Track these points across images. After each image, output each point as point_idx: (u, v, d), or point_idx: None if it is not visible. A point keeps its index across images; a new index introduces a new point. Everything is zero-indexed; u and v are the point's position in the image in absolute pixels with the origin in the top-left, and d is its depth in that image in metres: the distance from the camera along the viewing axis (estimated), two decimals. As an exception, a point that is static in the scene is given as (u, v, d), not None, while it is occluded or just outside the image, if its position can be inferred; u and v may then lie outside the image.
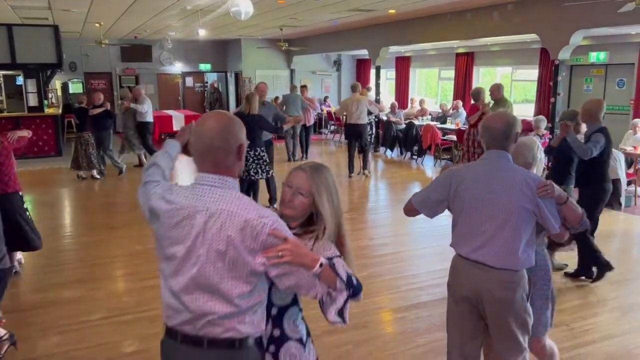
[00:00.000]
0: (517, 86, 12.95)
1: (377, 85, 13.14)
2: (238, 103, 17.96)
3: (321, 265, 1.73)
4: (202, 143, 1.76)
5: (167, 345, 1.89)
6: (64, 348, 3.74)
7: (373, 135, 11.29)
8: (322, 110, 16.65)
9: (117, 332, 3.96)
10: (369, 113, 9.87)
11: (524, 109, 12.54)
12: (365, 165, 9.78)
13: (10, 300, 4.56)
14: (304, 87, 12.89)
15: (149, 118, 10.61)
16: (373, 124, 11.29)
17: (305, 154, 12.09)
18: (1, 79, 15.12)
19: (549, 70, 10.36)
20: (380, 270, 5.26)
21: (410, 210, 2.88)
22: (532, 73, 11.78)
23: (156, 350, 3.71)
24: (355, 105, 9.36)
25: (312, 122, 12.46)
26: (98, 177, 9.67)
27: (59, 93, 16.33)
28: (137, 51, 16.83)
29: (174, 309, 1.82)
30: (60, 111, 13.78)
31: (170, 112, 15.53)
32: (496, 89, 7.71)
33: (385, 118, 12.36)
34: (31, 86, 12.60)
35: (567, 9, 7.63)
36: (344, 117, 10.84)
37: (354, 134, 9.48)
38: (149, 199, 1.90)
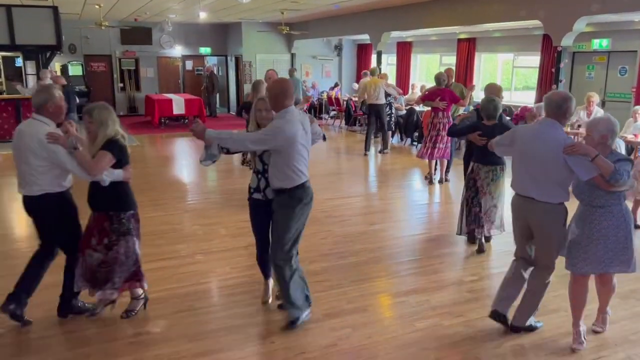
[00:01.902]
0: (519, 73, 12.89)
1: (380, 70, 13.06)
2: (238, 87, 17.90)
3: None
4: None
5: None
6: (65, 329, 3.77)
7: (393, 115, 11.35)
8: (321, 95, 16.62)
9: (118, 315, 3.99)
10: (387, 95, 10.68)
11: (524, 96, 12.51)
12: (385, 145, 10.83)
13: (14, 279, 4.59)
14: (294, 69, 13.63)
15: None
16: (392, 105, 11.35)
17: None
18: (0, 61, 15.03)
19: (551, 56, 10.30)
20: (380, 255, 5.29)
21: (492, 147, 4.03)
22: (533, 60, 11.72)
23: (158, 332, 3.76)
24: (373, 87, 10.34)
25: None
26: None
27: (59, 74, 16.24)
28: (137, 34, 16.72)
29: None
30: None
31: (170, 95, 15.48)
32: (450, 76, 8.57)
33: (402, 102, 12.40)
34: (30, 68, 12.55)
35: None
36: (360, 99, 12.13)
37: (373, 113, 10.51)
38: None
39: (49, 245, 3.79)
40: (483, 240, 5.35)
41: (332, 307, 4.12)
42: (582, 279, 3.60)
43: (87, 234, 3.74)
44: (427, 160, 8.16)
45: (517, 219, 3.75)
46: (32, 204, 3.62)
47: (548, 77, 10.65)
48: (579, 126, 8.86)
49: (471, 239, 5.50)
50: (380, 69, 12.82)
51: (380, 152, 10.86)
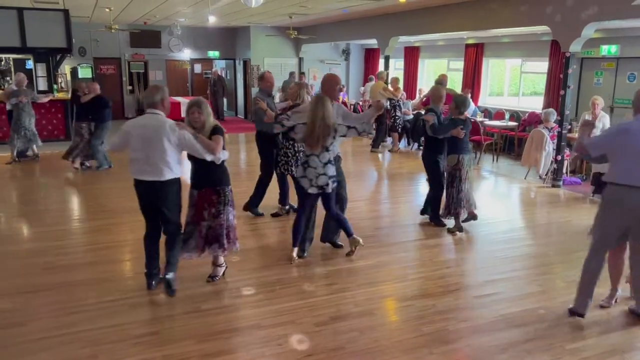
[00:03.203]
0: (526, 78, 12.88)
1: (387, 75, 13.08)
2: (246, 90, 17.97)
3: None
4: None
5: None
6: (75, 329, 3.81)
7: (399, 118, 11.64)
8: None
9: (127, 314, 4.02)
10: (391, 98, 11.33)
11: (532, 102, 12.49)
12: (374, 144, 11.72)
13: (24, 278, 4.65)
14: (303, 74, 13.95)
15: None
16: (398, 107, 11.59)
17: None
18: (11, 63, 15.17)
19: (559, 62, 10.29)
20: (387, 259, 5.30)
21: (581, 148, 4.07)
22: (541, 65, 11.70)
23: (165, 333, 3.80)
24: (374, 91, 11.33)
25: None
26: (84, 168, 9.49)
27: (68, 78, 16.38)
28: (147, 37, 16.84)
29: None
30: (69, 96, 13.82)
31: (178, 98, 15.56)
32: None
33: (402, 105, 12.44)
34: (41, 70, 12.66)
35: (578, 1, 7.57)
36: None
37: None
38: None
39: (159, 226, 4.43)
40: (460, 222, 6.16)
41: (339, 310, 4.14)
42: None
43: (198, 209, 4.40)
44: None
45: (621, 212, 3.84)
46: (162, 188, 4.20)
47: (556, 82, 10.64)
48: (587, 132, 8.85)
49: (457, 225, 6.16)
50: (387, 74, 12.86)
51: (390, 150, 11.66)
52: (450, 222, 6.25)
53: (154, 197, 4.24)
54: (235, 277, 4.74)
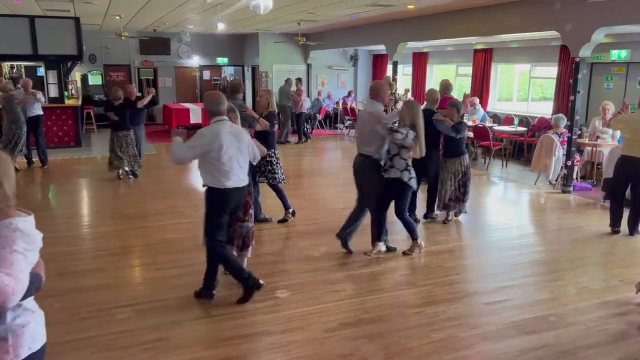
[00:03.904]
0: (535, 83, 12.82)
1: (395, 81, 13.08)
2: (254, 97, 18.04)
3: None
4: None
5: None
6: (84, 334, 3.82)
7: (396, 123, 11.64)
8: (336, 104, 16.71)
9: (136, 320, 4.04)
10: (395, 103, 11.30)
11: (541, 107, 12.43)
12: None
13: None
14: (298, 80, 14.18)
15: (41, 111, 10.20)
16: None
17: (306, 138, 14.01)
18: (23, 70, 15.35)
19: (568, 67, 10.24)
20: (396, 265, 5.28)
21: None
22: (550, 70, 11.65)
23: (174, 339, 3.80)
24: None
25: (304, 109, 14.05)
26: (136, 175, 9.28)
27: (79, 84, 16.54)
28: (156, 44, 16.97)
29: None
30: (80, 102, 13.96)
31: (187, 105, 15.65)
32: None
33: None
34: (52, 77, 12.78)
35: (589, 5, 7.54)
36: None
37: None
38: None
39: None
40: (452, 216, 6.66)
41: (348, 316, 4.12)
42: None
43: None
44: None
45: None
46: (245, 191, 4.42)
47: (566, 88, 10.58)
48: (597, 137, 8.80)
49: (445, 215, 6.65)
50: (396, 79, 12.88)
51: None
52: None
53: (240, 202, 4.35)
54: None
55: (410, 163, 5.21)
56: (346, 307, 4.29)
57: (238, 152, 4.14)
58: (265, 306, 4.29)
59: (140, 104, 9.19)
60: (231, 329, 3.91)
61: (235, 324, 3.99)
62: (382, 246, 5.46)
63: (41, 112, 10.21)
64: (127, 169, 9.16)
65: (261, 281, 4.34)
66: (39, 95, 9.98)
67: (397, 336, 3.85)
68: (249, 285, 4.29)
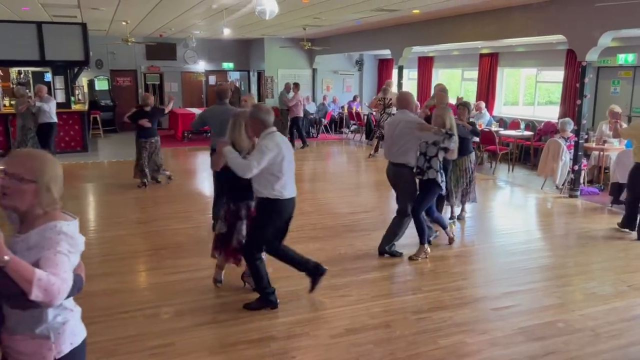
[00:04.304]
0: (541, 88, 12.78)
1: (400, 86, 13.09)
2: (259, 101, 18.08)
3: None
4: None
5: None
6: (92, 339, 3.79)
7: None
8: (342, 109, 16.72)
9: (142, 326, 4.03)
10: (387, 107, 11.42)
11: (547, 111, 12.37)
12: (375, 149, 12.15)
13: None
14: (295, 85, 14.02)
15: (55, 119, 10.04)
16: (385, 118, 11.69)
17: (304, 144, 13.76)
18: (30, 76, 15.45)
19: (575, 71, 10.20)
20: (403, 271, 5.26)
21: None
22: (557, 74, 11.61)
23: (180, 344, 3.79)
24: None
25: (299, 114, 13.78)
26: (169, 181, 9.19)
27: (86, 90, 16.63)
28: (162, 49, 17.05)
29: None
30: (86, 108, 14.03)
31: (193, 109, 15.70)
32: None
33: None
34: (59, 83, 12.86)
35: (595, 9, 7.51)
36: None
37: None
38: None
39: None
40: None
41: (354, 322, 4.10)
42: None
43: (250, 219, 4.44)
44: None
45: None
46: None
47: (572, 92, 10.54)
48: (604, 142, 8.75)
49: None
50: (400, 85, 12.89)
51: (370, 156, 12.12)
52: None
53: (293, 211, 4.32)
54: (249, 288, 4.72)
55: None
56: (352, 312, 4.27)
57: (292, 162, 4.20)
58: (270, 312, 4.27)
59: (167, 109, 9.15)
60: (237, 335, 3.90)
61: (241, 329, 3.98)
62: (427, 248, 5.56)
63: (51, 120, 10.15)
64: (153, 176, 8.98)
65: (278, 300, 4.34)
66: (38, 102, 9.87)
67: (404, 342, 3.83)
68: (268, 300, 4.30)
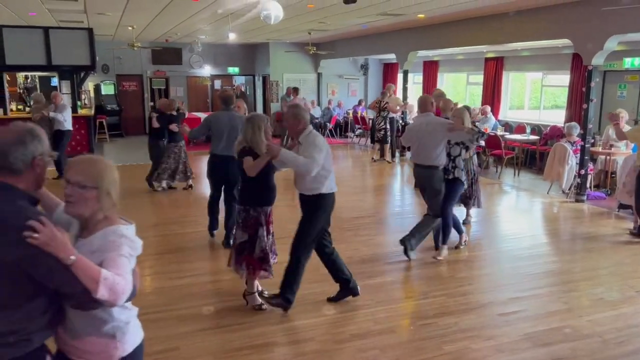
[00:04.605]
0: (547, 92, 12.73)
1: (405, 90, 13.10)
2: (265, 106, 18.12)
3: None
4: None
5: None
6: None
7: (387, 130, 11.88)
8: (347, 113, 16.73)
9: (147, 330, 3.99)
10: (382, 110, 11.69)
11: (553, 115, 12.33)
12: (381, 154, 12.21)
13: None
14: (294, 89, 13.89)
15: (68, 126, 9.94)
16: (387, 121, 11.81)
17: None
18: (37, 80, 15.55)
19: (581, 75, 10.16)
20: (408, 275, 5.24)
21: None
22: (563, 78, 11.57)
23: (185, 349, 3.78)
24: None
25: None
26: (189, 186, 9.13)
27: (92, 94, 16.72)
28: (168, 54, 17.12)
29: None
30: (92, 112, 14.09)
31: (199, 114, 15.74)
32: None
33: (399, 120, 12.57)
34: (65, 87, 12.93)
35: (601, 13, 7.49)
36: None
37: None
38: None
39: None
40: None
41: (359, 327, 4.08)
42: None
43: (268, 225, 4.34)
44: None
45: None
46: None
47: (578, 96, 10.49)
48: (611, 146, 8.70)
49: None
50: (405, 89, 12.88)
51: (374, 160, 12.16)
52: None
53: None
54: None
55: None
56: (357, 318, 4.25)
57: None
58: (275, 316, 4.26)
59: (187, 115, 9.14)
60: (241, 340, 3.89)
61: (245, 334, 3.97)
62: (446, 249, 5.73)
63: (64, 128, 9.91)
64: (162, 182, 8.89)
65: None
66: (52, 113, 9.87)
67: (409, 348, 3.81)
68: (286, 300, 4.29)
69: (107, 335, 1.98)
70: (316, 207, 4.23)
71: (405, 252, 5.53)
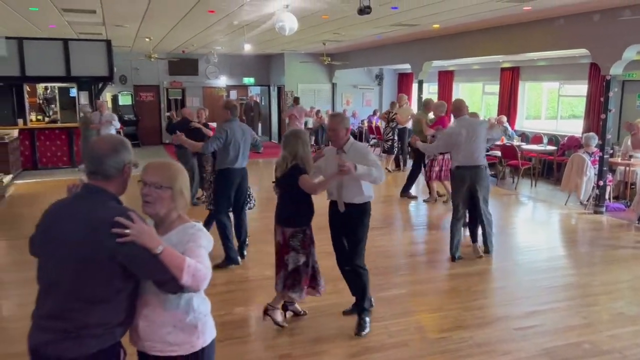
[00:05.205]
0: (564, 101, 12.59)
1: (420, 100, 13.05)
2: (280, 116, 18.20)
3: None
4: None
5: None
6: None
7: (394, 141, 11.83)
8: (361, 123, 16.71)
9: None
10: (391, 120, 11.61)
11: (571, 125, 12.17)
12: (396, 164, 12.32)
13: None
14: (294, 99, 14.32)
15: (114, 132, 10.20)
16: (395, 132, 11.74)
17: None
18: (56, 91, 15.80)
19: (599, 85, 10.03)
20: (422, 288, 5.17)
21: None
22: (580, 88, 11.43)
23: None
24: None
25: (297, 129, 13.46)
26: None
27: (109, 105, 16.94)
28: (184, 65, 17.31)
29: None
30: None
31: (214, 124, 15.82)
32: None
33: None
34: (83, 98, 13.14)
35: (619, 23, 7.40)
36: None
37: None
38: None
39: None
40: None
41: (372, 340, 4.04)
42: None
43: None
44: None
45: None
46: None
47: (596, 106, 10.36)
48: (631, 156, 8.56)
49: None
50: (420, 99, 12.83)
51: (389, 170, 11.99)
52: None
53: None
54: (265, 304, 4.69)
55: None
56: (371, 331, 4.19)
57: None
58: (289, 328, 4.23)
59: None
60: (254, 352, 3.87)
61: (257, 346, 3.95)
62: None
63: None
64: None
65: None
66: (115, 120, 10.25)
67: (424, 362, 3.75)
68: (369, 306, 4.32)
69: (190, 326, 2.12)
70: (365, 213, 4.15)
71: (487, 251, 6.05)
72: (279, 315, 4.23)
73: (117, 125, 10.36)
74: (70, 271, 1.93)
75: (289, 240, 4.04)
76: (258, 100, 18.76)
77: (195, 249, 2.02)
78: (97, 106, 10.58)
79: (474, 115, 7.65)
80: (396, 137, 11.77)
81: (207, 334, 2.19)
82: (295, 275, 4.05)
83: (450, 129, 6.01)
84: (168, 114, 9.24)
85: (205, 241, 2.10)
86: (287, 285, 4.06)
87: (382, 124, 15.63)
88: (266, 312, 4.21)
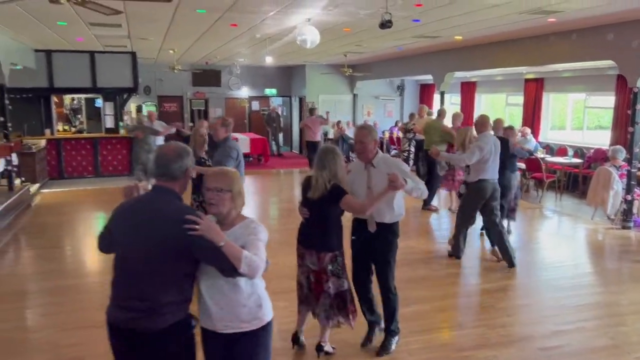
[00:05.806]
0: (590, 113, 12.36)
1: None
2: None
3: None
4: None
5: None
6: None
7: (410, 152, 11.61)
8: (382, 134, 16.66)
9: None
10: (408, 131, 11.53)
11: (597, 136, 11.93)
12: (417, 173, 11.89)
13: (85, 313, 4.76)
14: (310, 110, 14.32)
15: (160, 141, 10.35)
16: (411, 143, 11.59)
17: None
18: (83, 102, 16.16)
19: (626, 97, 9.83)
20: (444, 304, 5.10)
21: None
22: (607, 100, 11.21)
23: None
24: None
25: (312, 139, 13.54)
26: None
27: (134, 115, 17.22)
28: (207, 76, 17.53)
29: None
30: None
31: (236, 134, 15.98)
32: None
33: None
34: (109, 109, 13.41)
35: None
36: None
37: None
38: None
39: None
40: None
41: (392, 358, 3.98)
42: None
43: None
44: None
45: None
46: None
47: (623, 118, 10.14)
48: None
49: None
50: (442, 110, 12.76)
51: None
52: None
53: None
54: (280, 319, 4.65)
55: None
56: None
57: None
58: (307, 351, 4.19)
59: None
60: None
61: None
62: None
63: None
64: None
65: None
66: (177, 128, 10.90)
67: (445, 382, 3.68)
68: (397, 330, 4.15)
69: (255, 304, 2.48)
70: (396, 233, 3.97)
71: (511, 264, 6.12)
72: (329, 347, 4.03)
73: (173, 130, 11.12)
74: (151, 260, 2.31)
75: (327, 266, 3.71)
76: (279, 112, 18.85)
77: (256, 241, 2.36)
78: (148, 115, 11.27)
79: (510, 128, 7.65)
80: (412, 149, 11.64)
81: (268, 308, 2.54)
82: (339, 302, 3.78)
83: (484, 143, 5.97)
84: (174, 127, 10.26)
85: (263, 234, 2.44)
86: (334, 313, 3.79)
87: (401, 135, 15.64)
88: (321, 349, 3.96)
